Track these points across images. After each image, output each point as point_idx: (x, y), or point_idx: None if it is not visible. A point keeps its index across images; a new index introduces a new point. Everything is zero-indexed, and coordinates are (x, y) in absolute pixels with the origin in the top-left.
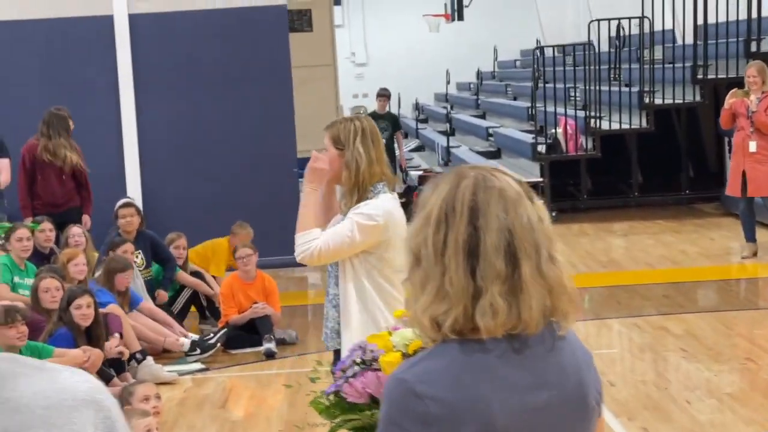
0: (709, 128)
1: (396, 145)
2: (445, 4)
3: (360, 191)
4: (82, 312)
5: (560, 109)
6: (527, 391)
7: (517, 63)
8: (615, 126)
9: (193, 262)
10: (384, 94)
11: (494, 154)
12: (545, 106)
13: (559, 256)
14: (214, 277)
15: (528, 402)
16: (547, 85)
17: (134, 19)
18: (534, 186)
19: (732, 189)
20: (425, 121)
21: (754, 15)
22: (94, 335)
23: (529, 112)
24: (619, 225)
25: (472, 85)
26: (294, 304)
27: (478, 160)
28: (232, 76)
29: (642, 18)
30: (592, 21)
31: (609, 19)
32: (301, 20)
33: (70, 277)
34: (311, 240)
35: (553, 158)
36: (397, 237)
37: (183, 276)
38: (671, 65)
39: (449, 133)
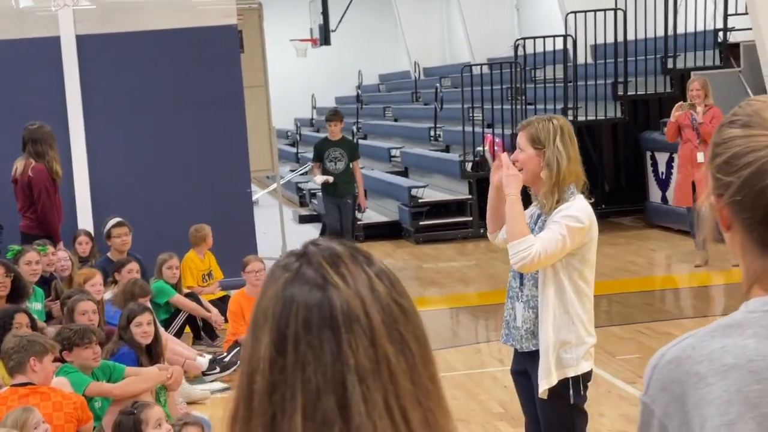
0: (620, 143)
1: (355, 178)
2: (311, 29)
3: (559, 191)
4: (144, 329)
5: (463, 128)
6: None
7: (381, 87)
8: None
9: None
10: (336, 118)
11: (402, 174)
12: (465, 126)
13: None
14: (189, 292)
15: None
16: (446, 106)
17: (82, 41)
18: (462, 203)
19: (682, 200)
20: (293, 145)
21: (671, 32)
22: (154, 353)
23: (431, 133)
24: None
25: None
26: None
27: (395, 180)
28: (184, 97)
29: (566, 36)
30: (519, 39)
31: (534, 38)
32: None
33: None
34: (529, 246)
35: (481, 176)
36: (596, 237)
37: (179, 300)
38: (592, 83)
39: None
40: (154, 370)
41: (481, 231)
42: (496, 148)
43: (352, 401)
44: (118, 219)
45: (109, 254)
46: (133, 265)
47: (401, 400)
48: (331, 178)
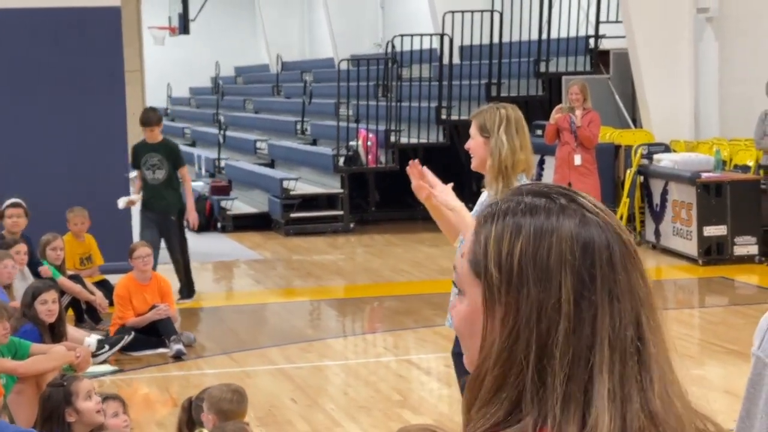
0: None
1: (182, 187)
2: (170, 17)
3: (504, 179)
4: (48, 308)
5: (338, 123)
6: None
7: (238, 79)
8: (413, 140)
9: None
10: (152, 122)
11: (269, 166)
12: (347, 122)
13: None
14: (73, 274)
15: None
16: (314, 100)
17: None
18: (334, 197)
19: None
20: None
21: (544, 37)
22: (58, 332)
23: (299, 126)
24: (423, 236)
25: (192, 101)
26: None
27: (265, 172)
28: (63, 79)
29: (442, 35)
30: (396, 36)
31: (412, 35)
32: None
33: None
34: None
35: (354, 170)
36: None
37: (64, 282)
38: (465, 83)
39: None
40: (62, 348)
41: (351, 225)
42: (369, 143)
43: (647, 333)
44: (15, 200)
45: (3, 233)
46: (21, 247)
47: (660, 329)
48: (135, 199)
